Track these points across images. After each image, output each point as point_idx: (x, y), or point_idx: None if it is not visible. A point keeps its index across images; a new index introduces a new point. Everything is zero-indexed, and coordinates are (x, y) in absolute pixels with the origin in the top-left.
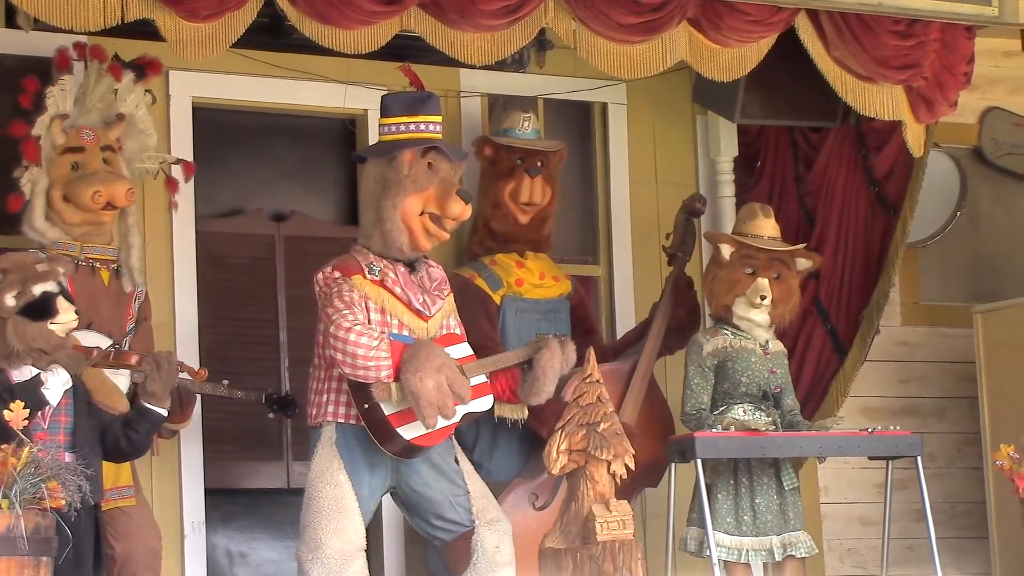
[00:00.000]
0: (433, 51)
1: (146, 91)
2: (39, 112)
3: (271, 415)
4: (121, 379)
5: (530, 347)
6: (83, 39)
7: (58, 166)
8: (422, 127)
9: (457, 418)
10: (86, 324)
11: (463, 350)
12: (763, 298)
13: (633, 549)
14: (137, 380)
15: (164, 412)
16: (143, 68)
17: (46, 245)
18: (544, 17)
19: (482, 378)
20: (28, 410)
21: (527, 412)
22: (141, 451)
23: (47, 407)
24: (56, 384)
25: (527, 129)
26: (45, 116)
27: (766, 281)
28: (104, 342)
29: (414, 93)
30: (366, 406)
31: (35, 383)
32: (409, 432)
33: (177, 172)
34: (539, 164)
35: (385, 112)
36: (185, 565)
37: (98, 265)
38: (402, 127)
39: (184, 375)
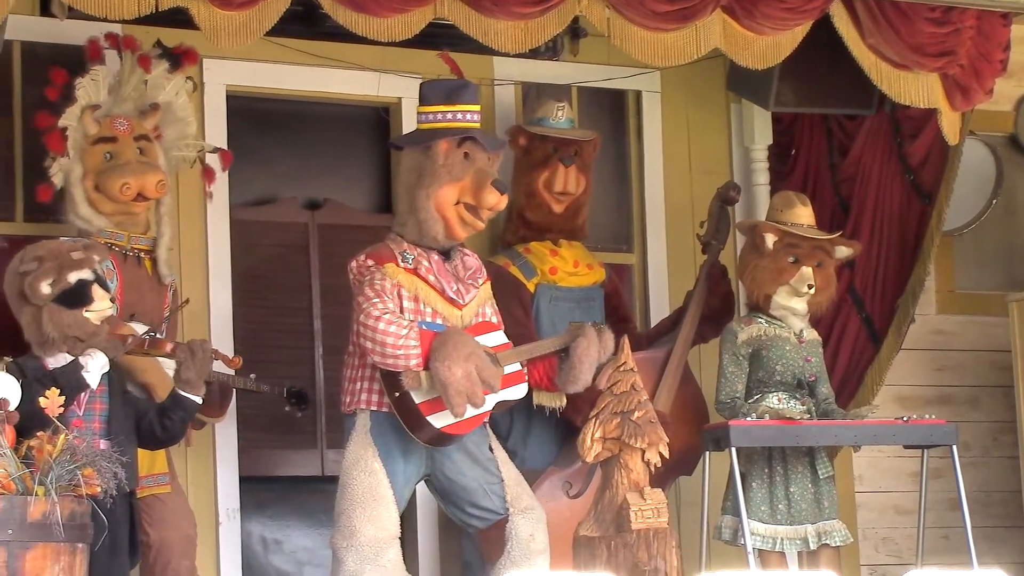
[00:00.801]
0: (467, 39)
1: (187, 78)
2: (67, 103)
3: (287, 408)
4: (167, 369)
5: (567, 335)
6: (116, 28)
7: (91, 156)
8: (459, 116)
9: (489, 406)
10: (130, 315)
11: (498, 338)
12: (810, 287)
13: (667, 537)
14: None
15: (199, 399)
16: (179, 57)
17: (92, 233)
18: (578, 5)
19: (516, 366)
20: (64, 397)
21: (564, 400)
22: (176, 438)
23: (85, 392)
24: (95, 367)
25: (561, 119)
26: (76, 107)
27: (810, 270)
28: (142, 330)
29: (453, 81)
30: (397, 394)
31: (74, 367)
32: (440, 420)
33: (213, 161)
34: (573, 153)
35: (423, 100)
36: (220, 552)
37: (143, 255)
38: (439, 116)
39: (216, 364)
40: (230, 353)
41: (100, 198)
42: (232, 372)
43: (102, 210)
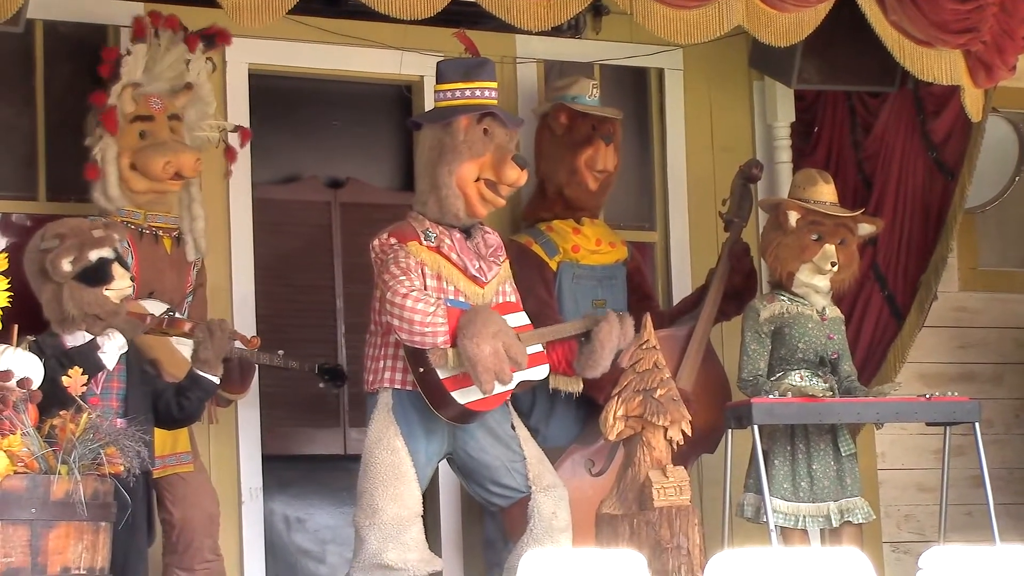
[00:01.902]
0: (489, 17)
1: (208, 58)
2: (114, 81)
3: (321, 385)
4: (184, 348)
5: (588, 319)
6: (139, 7)
7: (127, 134)
8: (478, 93)
9: (512, 385)
10: (148, 292)
11: (520, 319)
12: (833, 264)
13: (690, 515)
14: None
15: (216, 379)
16: (213, 38)
17: (110, 212)
18: None
19: (538, 347)
20: (86, 375)
21: (582, 385)
22: (193, 418)
23: (102, 372)
24: (112, 348)
25: (596, 96)
26: (119, 84)
27: (833, 247)
28: (160, 308)
29: (470, 59)
30: (421, 370)
31: (91, 347)
32: (464, 397)
33: (233, 140)
34: (611, 131)
35: (441, 78)
36: (243, 531)
37: (161, 233)
38: (458, 93)
39: (237, 344)
40: (251, 332)
41: (135, 176)
42: (254, 351)
43: (135, 188)
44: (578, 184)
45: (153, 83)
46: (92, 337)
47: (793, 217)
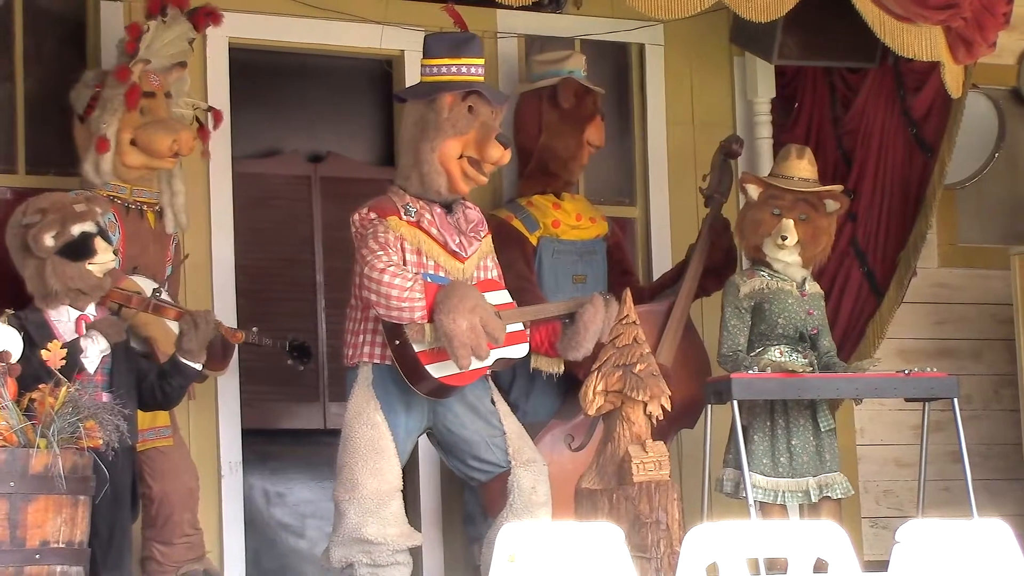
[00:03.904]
0: None
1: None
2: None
3: (289, 362)
4: (176, 325)
5: (573, 301)
6: None
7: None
8: (464, 70)
9: (490, 361)
10: (132, 268)
11: (502, 297)
12: (784, 239)
13: (669, 490)
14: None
15: (199, 367)
16: (203, 16)
17: (96, 186)
18: None
19: (519, 326)
20: (65, 350)
21: (563, 367)
22: (174, 403)
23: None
24: (95, 352)
25: (586, 71)
26: (134, 61)
27: (791, 222)
28: (149, 285)
29: (457, 35)
30: (397, 343)
31: (75, 348)
32: (439, 371)
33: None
34: (602, 107)
35: (427, 53)
36: (222, 505)
37: (145, 208)
38: (444, 69)
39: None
40: (232, 305)
41: (133, 152)
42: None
43: (130, 164)
44: (578, 159)
45: (154, 60)
46: (77, 337)
47: (753, 191)
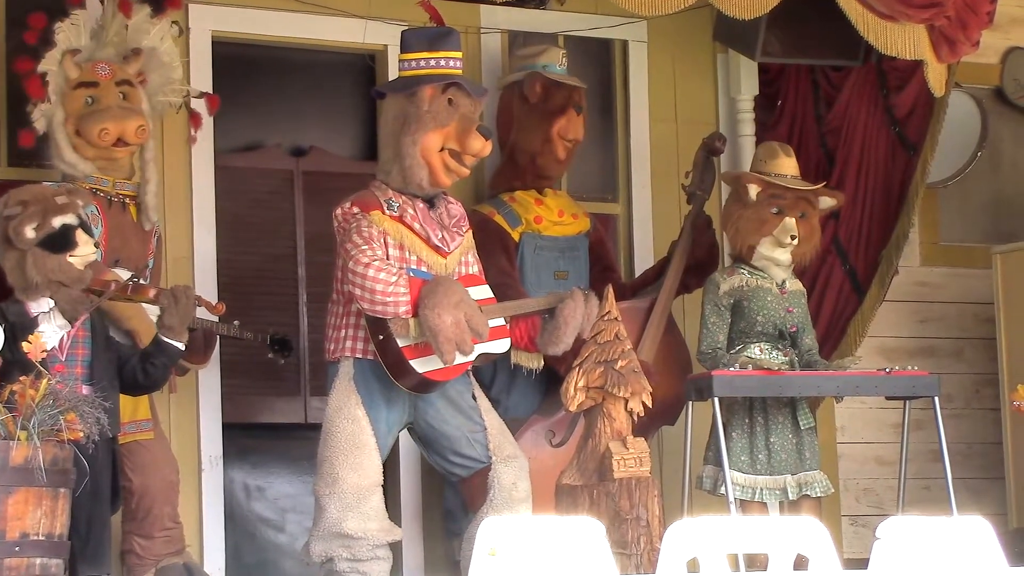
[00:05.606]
0: None
1: (173, 23)
2: (47, 48)
3: (270, 355)
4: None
5: (553, 296)
6: None
7: (72, 100)
8: (442, 63)
9: (473, 357)
10: (114, 260)
11: (483, 292)
12: (793, 238)
13: (649, 486)
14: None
15: (181, 346)
16: (161, 2)
17: (77, 178)
18: None
19: (500, 321)
20: (46, 342)
21: (543, 362)
22: (159, 384)
23: (68, 334)
24: (51, 330)
25: (564, 66)
26: (55, 51)
27: (793, 220)
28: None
29: (435, 29)
30: (381, 337)
31: (32, 325)
32: (423, 366)
33: (200, 106)
34: (580, 101)
35: (405, 47)
36: (202, 499)
37: (128, 201)
38: (422, 63)
39: (200, 313)
40: (214, 300)
41: (81, 143)
42: (216, 319)
43: (85, 155)
44: (550, 153)
45: (102, 49)
46: (36, 315)
47: (754, 190)
